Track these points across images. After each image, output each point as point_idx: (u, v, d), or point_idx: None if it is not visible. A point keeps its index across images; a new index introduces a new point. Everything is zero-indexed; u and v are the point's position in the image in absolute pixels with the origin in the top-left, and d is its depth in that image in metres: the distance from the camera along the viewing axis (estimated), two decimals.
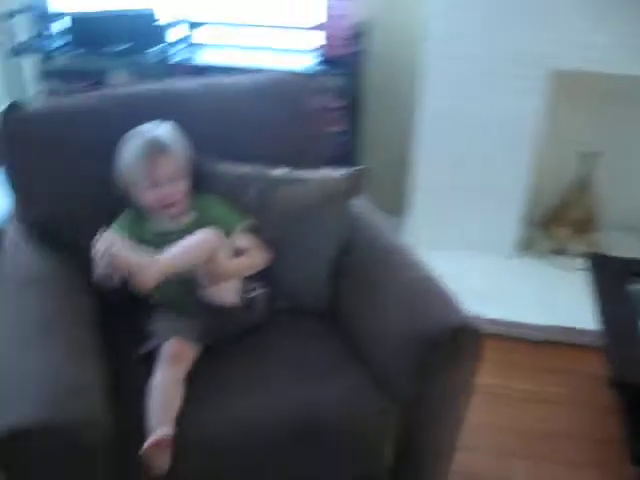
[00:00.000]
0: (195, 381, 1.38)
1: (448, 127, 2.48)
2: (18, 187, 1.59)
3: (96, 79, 2.85)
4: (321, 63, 2.52)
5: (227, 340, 1.48)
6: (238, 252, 1.55)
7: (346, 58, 2.46)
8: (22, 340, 1.30)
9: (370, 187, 2.85)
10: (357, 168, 1.60)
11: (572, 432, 1.99)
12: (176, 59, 2.64)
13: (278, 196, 1.57)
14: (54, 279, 1.48)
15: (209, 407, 1.33)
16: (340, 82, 2.53)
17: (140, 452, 1.21)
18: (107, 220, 1.52)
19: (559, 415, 2.06)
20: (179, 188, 1.53)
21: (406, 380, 1.34)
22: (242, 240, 1.56)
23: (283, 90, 1.77)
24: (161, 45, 2.65)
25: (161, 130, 1.53)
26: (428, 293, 1.43)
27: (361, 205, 1.73)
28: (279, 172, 1.59)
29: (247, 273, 1.55)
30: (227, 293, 1.51)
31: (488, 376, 2.16)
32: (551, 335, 2.35)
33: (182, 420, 1.29)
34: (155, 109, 1.63)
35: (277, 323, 1.56)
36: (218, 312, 1.48)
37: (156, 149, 1.49)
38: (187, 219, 1.56)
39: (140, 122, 1.55)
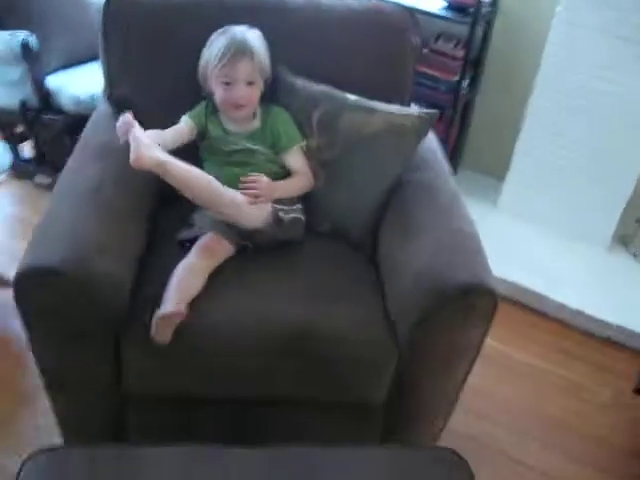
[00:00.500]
0: (218, 276, 1.45)
1: (563, 98, 2.35)
2: (109, 66, 1.70)
3: None
4: (448, 8, 2.45)
5: (260, 248, 1.53)
6: (288, 171, 1.62)
7: (473, 8, 2.37)
8: (73, 200, 1.42)
9: (477, 145, 2.83)
10: (429, 111, 1.57)
11: (599, 434, 1.91)
12: None
13: (343, 120, 1.57)
14: (121, 154, 1.59)
15: (219, 300, 1.40)
16: (465, 32, 2.45)
17: (152, 321, 1.31)
18: (183, 109, 1.63)
19: (593, 414, 1.98)
20: (251, 93, 1.56)
21: (409, 325, 1.34)
22: (295, 159, 1.61)
23: (385, 20, 1.73)
24: None
25: (249, 34, 1.57)
26: (460, 247, 1.40)
27: (430, 148, 1.71)
28: (352, 97, 1.60)
29: (289, 195, 1.58)
30: (255, 217, 1.50)
31: (535, 357, 2.13)
32: (617, 335, 2.23)
33: (192, 305, 1.37)
34: (254, 14, 1.66)
35: (314, 243, 1.60)
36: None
37: (239, 49, 1.52)
38: (251, 126, 1.61)
39: (235, 24, 1.59)
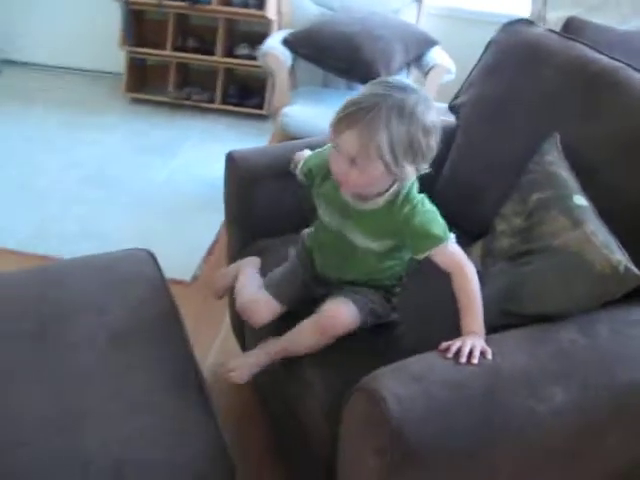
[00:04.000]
0: None
1: None
2: (468, 77, 1.79)
3: None
4: None
5: None
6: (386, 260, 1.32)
7: None
8: None
9: None
10: (635, 271, 1.12)
11: None
12: None
13: (549, 216, 1.27)
14: None
15: None
16: None
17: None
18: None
19: None
20: (349, 173, 1.17)
21: None
22: (441, 258, 1.22)
23: None
24: None
25: (390, 103, 1.11)
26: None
27: None
28: (580, 201, 1.25)
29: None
30: None
31: None
32: None
33: None
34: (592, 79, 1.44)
35: None
36: None
37: (347, 117, 1.13)
38: (370, 205, 1.25)
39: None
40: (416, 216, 1.21)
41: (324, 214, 1.32)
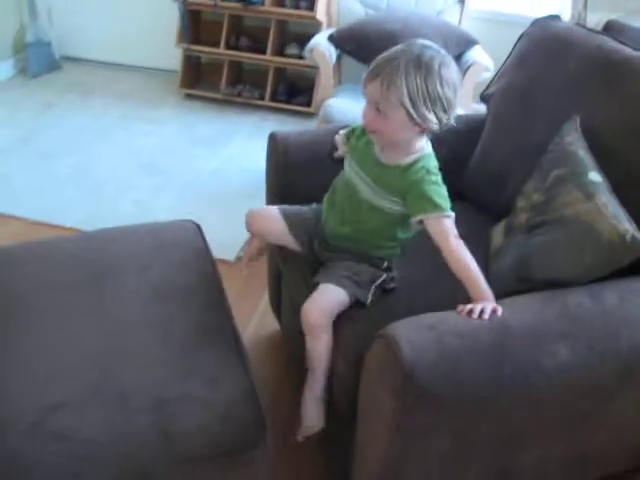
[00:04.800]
0: None
1: None
2: (500, 68, 1.86)
3: None
4: None
5: None
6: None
7: None
8: None
9: None
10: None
11: None
12: None
13: (565, 191, 1.35)
14: None
15: None
16: None
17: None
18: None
19: None
20: (376, 120, 1.29)
21: None
22: (432, 229, 1.32)
23: None
24: None
25: (407, 57, 1.24)
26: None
27: None
28: (595, 178, 1.32)
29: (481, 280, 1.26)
30: None
31: None
32: None
33: None
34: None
35: None
36: None
37: (372, 70, 1.28)
38: (402, 162, 1.35)
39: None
40: (424, 184, 1.32)
41: (347, 166, 1.45)
